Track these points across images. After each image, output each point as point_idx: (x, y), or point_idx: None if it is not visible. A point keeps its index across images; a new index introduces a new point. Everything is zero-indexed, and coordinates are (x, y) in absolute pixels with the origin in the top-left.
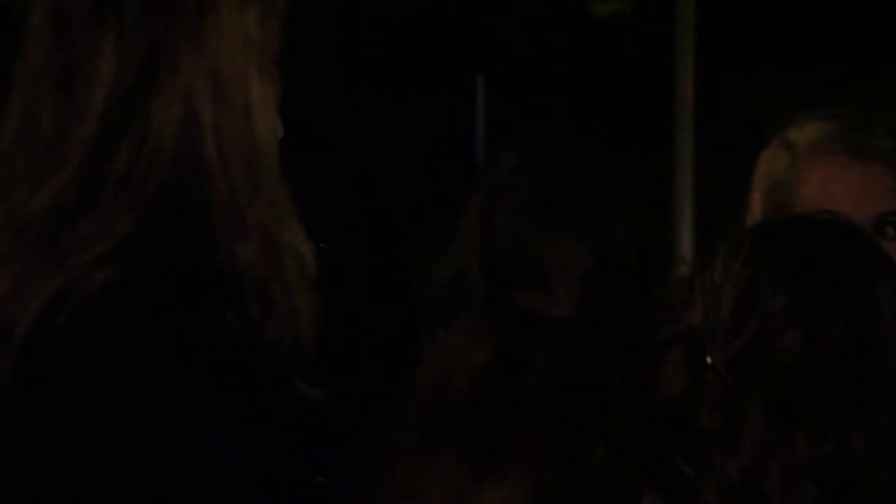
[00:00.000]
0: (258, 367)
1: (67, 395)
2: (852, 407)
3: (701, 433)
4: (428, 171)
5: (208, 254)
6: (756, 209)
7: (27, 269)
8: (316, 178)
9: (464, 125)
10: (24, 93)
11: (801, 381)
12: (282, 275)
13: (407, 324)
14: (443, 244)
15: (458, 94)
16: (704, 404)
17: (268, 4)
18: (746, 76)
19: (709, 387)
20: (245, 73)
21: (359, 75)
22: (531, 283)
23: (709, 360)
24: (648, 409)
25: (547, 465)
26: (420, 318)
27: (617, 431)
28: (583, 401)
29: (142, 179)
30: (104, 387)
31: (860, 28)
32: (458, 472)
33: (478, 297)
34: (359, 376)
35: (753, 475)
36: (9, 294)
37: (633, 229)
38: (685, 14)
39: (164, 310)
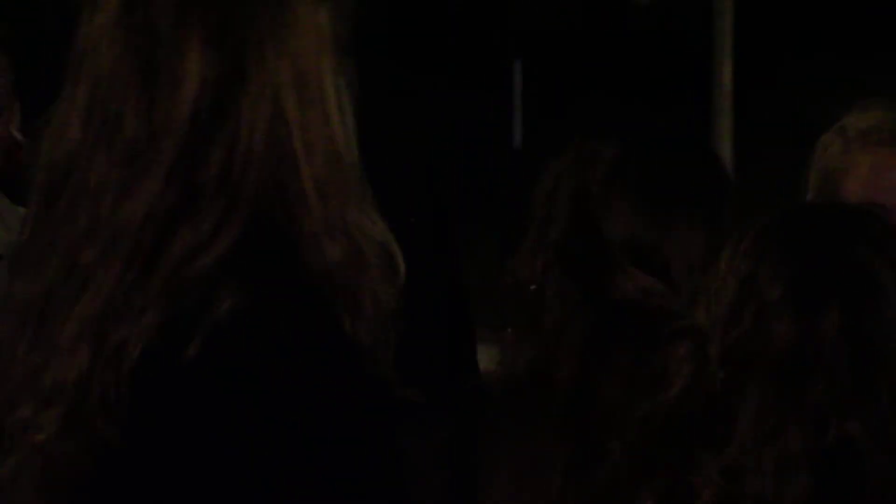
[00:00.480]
0: (373, 374)
1: (215, 432)
2: (850, 396)
3: (697, 432)
4: (467, 158)
5: (306, 258)
6: (810, 194)
7: (124, 281)
8: (384, 173)
9: (502, 111)
10: (97, 92)
11: (797, 372)
12: (368, 275)
13: (459, 315)
14: (481, 231)
15: (495, 81)
16: (703, 401)
17: (337, 4)
18: (787, 66)
19: (708, 382)
20: (321, 72)
21: (406, 66)
22: (650, 269)
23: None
24: (651, 407)
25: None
26: (469, 311)
27: (630, 430)
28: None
29: (239, 181)
30: (255, 422)
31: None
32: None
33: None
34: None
35: (740, 473)
36: (105, 307)
37: (735, 217)
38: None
39: (299, 335)
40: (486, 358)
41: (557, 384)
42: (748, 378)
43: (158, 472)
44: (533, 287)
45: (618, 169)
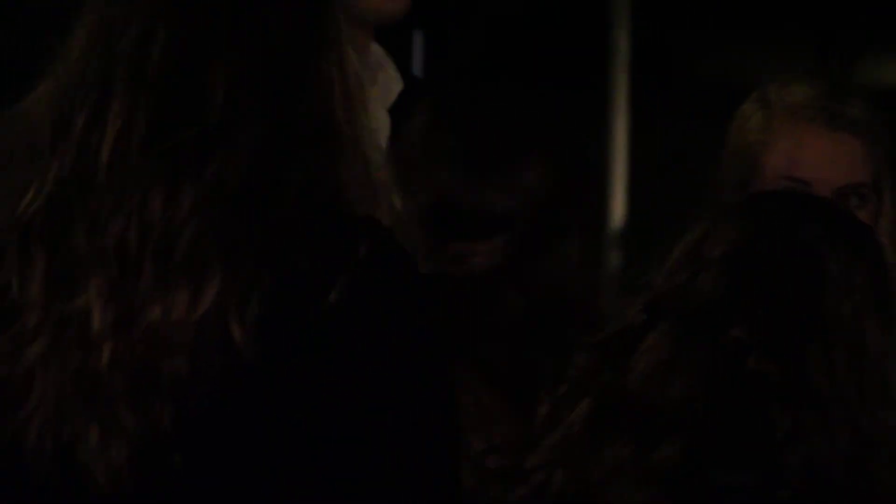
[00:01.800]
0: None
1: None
2: (754, 337)
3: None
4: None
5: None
6: (727, 165)
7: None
8: None
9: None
10: (143, 91)
11: (717, 313)
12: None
13: None
14: None
15: (394, 51)
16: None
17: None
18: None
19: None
20: (356, 71)
21: None
22: (465, 235)
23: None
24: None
25: None
26: None
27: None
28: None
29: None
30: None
31: None
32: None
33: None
34: None
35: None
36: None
37: (549, 174)
38: None
39: (420, 281)
40: None
41: None
42: (664, 317)
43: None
44: None
45: (427, 137)
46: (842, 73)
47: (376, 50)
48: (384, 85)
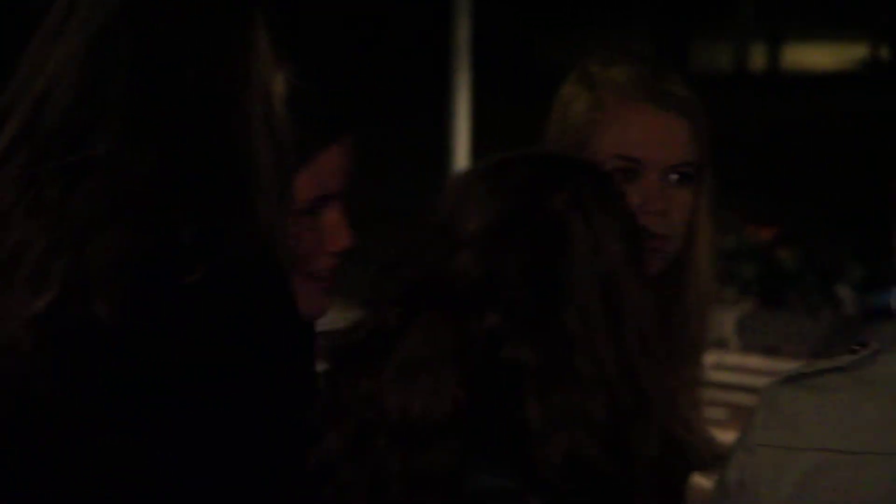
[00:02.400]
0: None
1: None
2: (527, 326)
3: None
4: None
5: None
6: (553, 145)
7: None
8: None
9: None
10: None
11: (475, 302)
12: None
13: None
14: None
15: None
16: None
17: None
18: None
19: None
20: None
21: None
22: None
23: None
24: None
25: None
26: None
27: None
28: None
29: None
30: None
31: None
32: None
33: None
34: None
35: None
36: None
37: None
38: None
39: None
40: None
41: None
42: (422, 309)
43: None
44: None
45: None
46: (673, 57)
47: None
48: None
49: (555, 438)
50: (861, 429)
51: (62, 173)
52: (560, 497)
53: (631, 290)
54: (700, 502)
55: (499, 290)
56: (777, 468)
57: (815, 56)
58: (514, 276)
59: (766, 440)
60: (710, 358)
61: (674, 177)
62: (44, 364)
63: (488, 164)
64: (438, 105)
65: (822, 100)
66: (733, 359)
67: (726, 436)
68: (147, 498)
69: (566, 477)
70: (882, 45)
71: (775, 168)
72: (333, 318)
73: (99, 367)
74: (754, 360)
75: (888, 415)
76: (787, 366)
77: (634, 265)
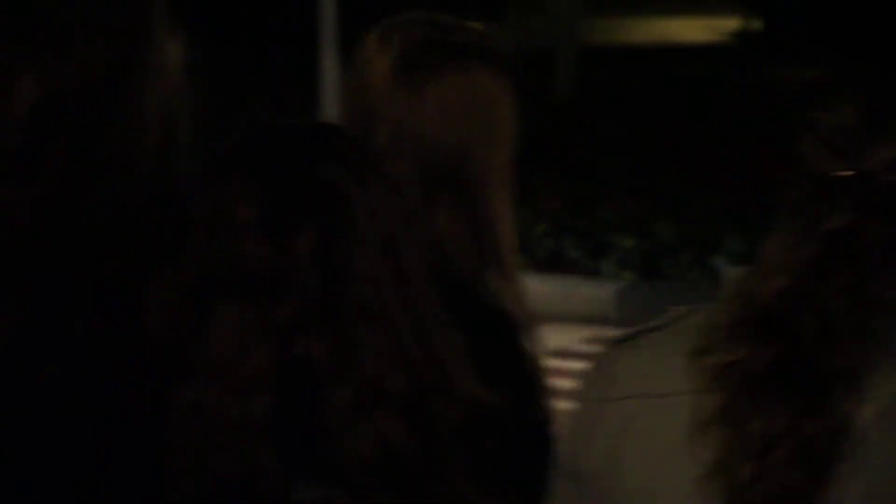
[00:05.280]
0: None
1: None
2: (317, 316)
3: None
4: None
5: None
6: (348, 109)
7: None
8: None
9: None
10: None
11: (268, 292)
12: None
13: None
14: None
15: None
16: None
17: None
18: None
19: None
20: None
21: None
22: None
23: None
24: None
25: None
26: None
27: None
28: None
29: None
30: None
31: None
32: None
33: None
34: None
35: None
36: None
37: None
38: None
39: None
40: None
41: None
42: (219, 302)
43: None
44: None
45: None
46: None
47: None
48: None
49: (360, 429)
50: (668, 374)
51: None
52: (370, 495)
53: (413, 251)
54: None
55: (294, 276)
56: (593, 422)
57: (685, 29)
58: (303, 258)
59: (585, 396)
60: (590, 331)
61: None
62: None
63: (236, 145)
64: (308, 83)
65: (692, 70)
66: (613, 333)
67: None
68: None
69: (376, 470)
70: (753, 18)
71: (649, 140)
72: None
73: None
74: None
75: (691, 357)
76: None
77: (413, 225)
